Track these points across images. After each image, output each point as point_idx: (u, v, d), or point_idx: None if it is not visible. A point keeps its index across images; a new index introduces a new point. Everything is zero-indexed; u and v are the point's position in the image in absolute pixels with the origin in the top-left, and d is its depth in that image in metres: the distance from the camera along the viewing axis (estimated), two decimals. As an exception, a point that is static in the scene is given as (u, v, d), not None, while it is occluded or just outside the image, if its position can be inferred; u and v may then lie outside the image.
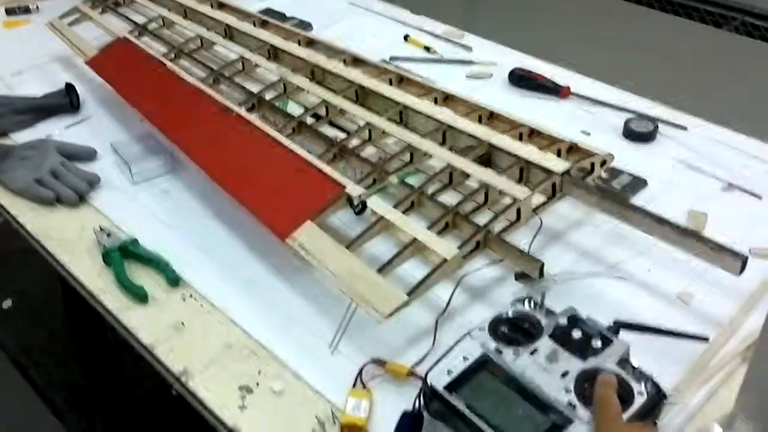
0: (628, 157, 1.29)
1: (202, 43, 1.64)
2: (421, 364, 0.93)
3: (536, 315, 0.89)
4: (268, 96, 1.42)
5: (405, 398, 0.89)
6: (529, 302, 0.91)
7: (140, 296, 1.08)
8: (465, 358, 0.85)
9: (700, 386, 0.90)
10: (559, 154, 1.18)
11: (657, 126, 1.37)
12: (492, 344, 0.86)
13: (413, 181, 1.20)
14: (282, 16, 1.85)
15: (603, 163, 1.19)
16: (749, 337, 0.95)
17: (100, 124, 1.50)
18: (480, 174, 1.14)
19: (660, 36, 3.44)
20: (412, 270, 1.06)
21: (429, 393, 0.84)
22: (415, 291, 0.97)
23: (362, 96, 1.39)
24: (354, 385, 0.92)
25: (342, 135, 1.32)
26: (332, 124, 1.38)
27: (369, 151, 1.30)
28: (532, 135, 1.25)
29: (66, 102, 1.52)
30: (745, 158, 1.30)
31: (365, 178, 1.18)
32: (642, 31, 3.48)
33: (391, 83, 1.41)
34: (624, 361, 0.83)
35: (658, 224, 1.02)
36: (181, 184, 1.32)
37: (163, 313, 1.07)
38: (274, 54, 1.56)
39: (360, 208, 1.12)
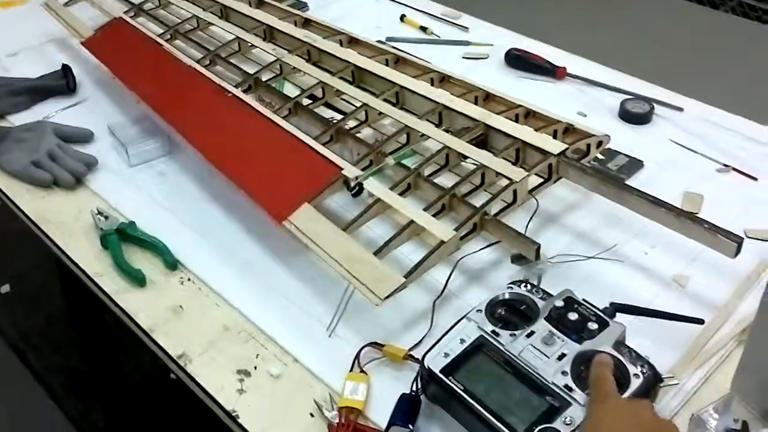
0: (624, 139, 1.29)
1: (198, 24, 1.63)
2: (419, 347, 0.93)
3: (533, 297, 0.89)
4: (264, 77, 1.41)
5: (402, 381, 0.90)
6: (526, 284, 0.91)
7: (138, 279, 1.08)
8: (462, 341, 0.86)
9: (695, 369, 0.91)
10: (555, 136, 1.18)
11: (653, 107, 1.36)
12: (489, 327, 0.86)
13: (410, 162, 1.20)
14: (278, -4, 1.84)
15: (599, 144, 1.19)
16: (745, 319, 0.96)
17: (96, 105, 1.49)
18: (476, 155, 1.14)
19: (656, 17, 3.43)
20: (409, 252, 1.06)
21: (426, 376, 0.84)
22: (411, 273, 0.98)
23: (358, 77, 1.38)
24: (351, 368, 0.93)
25: (338, 116, 1.32)
26: (328, 106, 1.38)
27: (365, 133, 1.30)
28: (528, 116, 1.25)
29: (62, 83, 1.51)
30: (741, 140, 1.30)
31: (362, 159, 1.18)
32: (638, 12, 3.48)
33: (387, 64, 1.40)
34: (620, 344, 0.84)
35: (653, 206, 1.02)
36: (178, 166, 1.32)
37: (161, 297, 1.07)
38: (270, 35, 1.55)
39: (357, 190, 1.12)
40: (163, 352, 1.00)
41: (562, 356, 0.82)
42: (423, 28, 1.70)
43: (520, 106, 1.25)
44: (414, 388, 0.88)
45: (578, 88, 1.47)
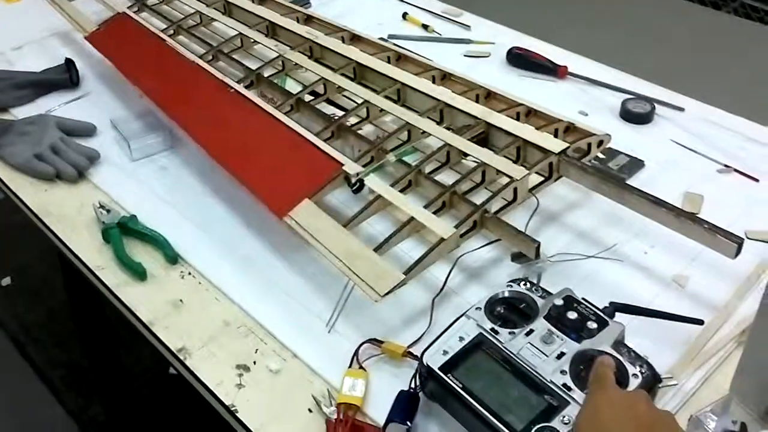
0: (625, 138, 1.29)
1: (201, 20, 1.64)
2: (418, 344, 0.93)
3: (532, 296, 0.89)
4: (266, 73, 1.42)
5: (401, 378, 0.90)
6: (525, 283, 0.91)
7: (139, 273, 1.09)
8: (461, 339, 0.86)
9: (694, 369, 0.91)
10: (556, 134, 1.18)
11: (654, 107, 1.37)
12: (488, 324, 0.86)
13: (410, 159, 1.20)
14: (281, -8, 1.84)
15: (600, 143, 1.19)
16: (744, 320, 0.96)
17: (99, 99, 1.49)
18: (477, 153, 1.15)
19: (659, 17, 3.43)
20: (409, 249, 1.06)
21: (425, 373, 0.85)
22: (411, 270, 0.98)
23: (360, 74, 1.38)
24: (350, 364, 0.93)
25: (340, 113, 1.32)
26: (330, 102, 1.38)
27: (367, 129, 1.30)
28: (530, 114, 1.25)
29: (66, 77, 1.52)
30: (742, 140, 1.30)
31: (363, 156, 1.18)
32: (641, 12, 3.47)
33: (389, 61, 1.41)
34: (619, 343, 0.84)
35: (654, 206, 1.02)
36: (180, 160, 1.32)
37: (162, 290, 1.07)
38: (272, 31, 1.55)
39: (357, 187, 1.12)
40: (162, 345, 1.00)
41: (561, 355, 0.82)
42: (425, 26, 1.70)
43: (521, 104, 1.25)
44: (412, 385, 0.88)
45: (579, 87, 1.47)
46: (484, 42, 1.63)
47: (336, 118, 1.28)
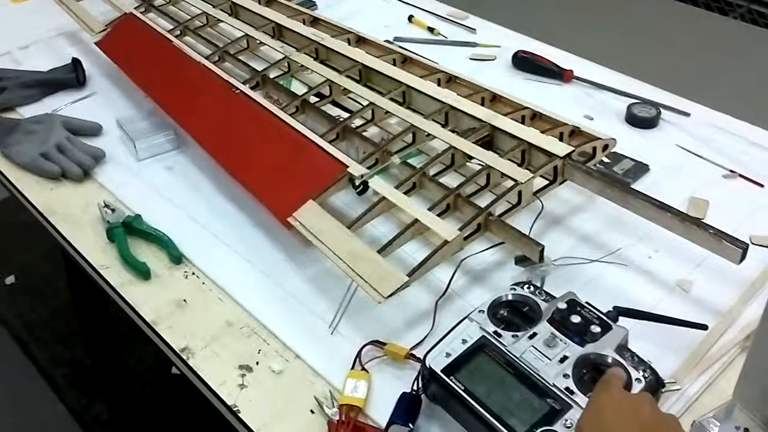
0: (631, 143, 1.29)
1: (207, 21, 1.64)
2: (420, 347, 0.93)
3: (535, 299, 0.89)
4: (272, 74, 1.42)
5: (403, 380, 0.90)
6: (529, 286, 0.91)
7: (143, 272, 1.09)
8: (464, 341, 0.86)
9: (698, 374, 0.91)
10: (561, 138, 1.18)
11: (660, 112, 1.36)
12: (491, 327, 0.86)
13: (415, 161, 1.20)
14: (287, -6, 1.84)
15: (605, 147, 1.19)
16: (748, 326, 0.96)
17: (106, 99, 1.50)
18: (482, 156, 1.15)
19: (665, 22, 3.42)
20: (413, 251, 1.06)
21: (427, 375, 0.85)
22: (415, 272, 0.98)
23: (366, 76, 1.39)
24: (353, 366, 0.93)
25: (345, 114, 1.32)
26: (335, 104, 1.38)
27: (372, 131, 1.30)
28: (535, 118, 1.25)
29: (72, 77, 1.52)
30: (747, 146, 1.30)
31: (367, 158, 1.18)
32: (647, 17, 3.47)
33: (394, 63, 1.41)
34: (622, 348, 0.83)
35: (659, 210, 1.02)
36: (186, 161, 1.32)
37: (166, 290, 1.07)
38: (278, 32, 1.56)
39: (362, 189, 1.12)
40: (166, 345, 1.00)
41: (564, 359, 0.82)
42: (430, 29, 1.70)
43: (527, 107, 1.25)
44: (415, 388, 0.88)
45: (585, 91, 1.47)
46: (489, 45, 1.63)
47: (341, 119, 1.28)
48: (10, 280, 2.38)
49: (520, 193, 1.10)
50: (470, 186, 1.13)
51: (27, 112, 1.46)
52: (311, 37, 1.47)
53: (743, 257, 0.95)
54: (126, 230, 1.15)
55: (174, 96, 1.40)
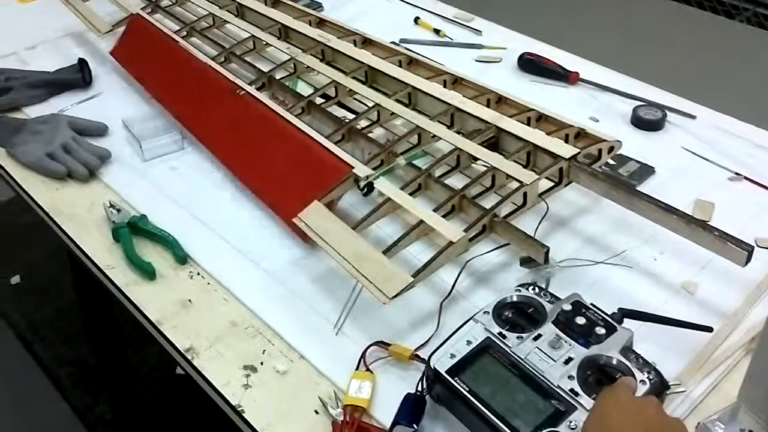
0: (636, 145, 1.29)
1: (213, 22, 1.64)
2: (425, 347, 0.93)
3: (540, 300, 0.89)
4: (278, 75, 1.42)
5: (408, 381, 0.90)
6: (534, 288, 0.91)
7: (148, 273, 1.09)
8: (468, 342, 0.86)
9: (703, 376, 0.90)
10: (566, 140, 1.18)
11: (665, 114, 1.36)
12: (496, 329, 0.86)
13: (421, 163, 1.20)
14: (293, -5, 1.84)
15: (610, 149, 1.19)
16: (754, 328, 0.96)
17: (112, 100, 1.50)
18: (487, 157, 1.15)
19: (671, 25, 3.42)
20: (418, 252, 1.07)
21: (432, 376, 0.85)
22: (420, 273, 0.98)
23: (372, 77, 1.39)
24: (357, 366, 0.93)
25: (351, 115, 1.32)
26: (341, 105, 1.38)
27: (377, 133, 1.30)
28: (540, 120, 1.25)
29: (78, 77, 1.52)
30: (753, 148, 1.29)
31: (373, 159, 1.18)
32: (653, 19, 3.47)
33: (400, 65, 1.41)
34: (627, 349, 0.83)
35: (664, 212, 1.02)
36: (191, 161, 1.32)
37: (171, 290, 1.08)
38: (285, 34, 1.56)
39: (367, 189, 1.12)
40: (170, 345, 1.00)
41: (568, 360, 0.82)
42: (436, 31, 1.70)
43: (532, 109, 1.25)
44: (419, 388, 0.88)
45: (591, 93, 1.47)
46: (495, 47, 1.63)
47: (347, 121, 1.28)
48: (15, 279, 2.38)
49: (525, 194, 1.10)
50: (475, 187, 1.13)
51: (33, 112, 1.46)
52: (317, 38, 1.47)
53: (749, 259, 0.95)
54: (131, 230, 1.15)
55: (180, 97, 1.41)
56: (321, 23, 1.59)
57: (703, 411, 0.87)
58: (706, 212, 1.15)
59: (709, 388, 0.90)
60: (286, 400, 0.92)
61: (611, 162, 1.24)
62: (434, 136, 1.21)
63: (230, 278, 1.08)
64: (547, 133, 1.17)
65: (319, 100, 1.35)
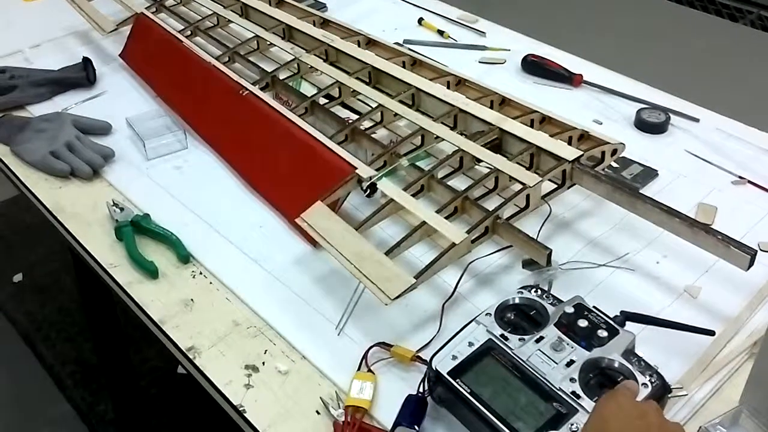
0: (640, 148, 1.29)
1: (218, 21, 1.64)
2: (427, 349, 0.93)
3: (543, 303, 0.89)
4: (281, 75, 1.42)
5: (409, 382, 0.90)
6: (536, 290, 0.91)
7: (151, 272, 1.09)
8: (470, 344, 0.86)
9: (705, 380, 0.90)
10: (570, 142, 1.18)
11: (669, 117, 1.36)
12: (498, 330, 0.86)
13: (423, 164, 1.20)
14: (298, -4, 1.85)
15: (614, 152, 1.19)
16: (756, 332, 0.96)
17: (116, 98, 1.50)
18: (490, 159, 1.15)
19: (675, 28, 3.41)
20: (420, 254, 1.07)
21: (433, 378, 0.85)
22: (422, 274, 0.98)
23: (375, 78, 1.39)
24: (359, 367, 0.93)
25: (354, 116, 1.32)
26: (345, 105, 1.38)
27: (380, 133, 1.30)
28: (544, 122, 1.25)
29: (83, 76, 1.53)
30: (756, 152, 1.29)
31: (376, 159, 1.18)
32: (657, 22, 3.46)
33: (404, 66, 1.41)
34: (629, 352, 0.83)
35: (667, 216, 1.02)
36: (195, 160, 1.32)
37: (173, 289, 1.08)
38: (289, 34, 1.56)
39: (370, 191, 1.12)
40: (172, 344, 1.00)
41: (570, 363, 0.82)
42: (440, 32, 1.70)
43: (536, 111, 1.25)
44: (421, 390, 0.88)
45: (594, 95, 1.47)
46: (499, 49, 1.63)
47: (350, 121, 1.28)
48: (17, 278, 2.39)
49: (528, 196, 1.10)
50: (478, 189, 1.13)
51: (37, 110, 1.46)
52: (321, 38, 1.47)
53: (751, 263, 0.95)
54: (134, 229, 1.15)
55: (183, 96, 1.41)
56: (325, 23, 1.59)
57: (704, 415, 0.87)
58: (709, 216, 1.14)
59: (711, 392, 0.90)
60: (288, 400, 0.92)
61: (614, 165, 1.24)
62: (437, 137, 1.21)
63: (233, 278, 1.08)
64: (551, 135, 1.17)
65: (322, 101, 1.35)
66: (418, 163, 1.20)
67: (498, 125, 1.20)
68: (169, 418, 1.92)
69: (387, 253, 1.01)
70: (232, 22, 1.63)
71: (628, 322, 0.89)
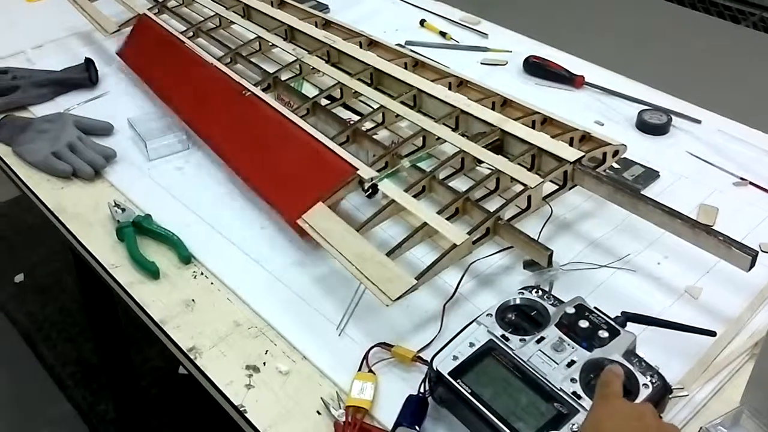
0: (641, 149, 1.29)
1: (220, 22, 1.65)
2: (428, 349, 0.93)
3: (544, 303, 0.89)
4: (283, 76, 1.42)
5: (410, 383, 0.90)
6: (537, 290, 0.91)
7: (152, 272, 1.09)
8: (471, 344, 0.86)
9: (706, 381, 0.90)
10: (571, 143, 1.18)
11: (671, 118, 1.36)
12: (499, 331, 0.86)
13: (425, 165, 1.20)
14: (300, -3, 1.85)
15: (615, 153, 1.19)
16: (757, 333, 0.96)
17: (117, 99, 1.50)
18: (492, 160, 1.15)
19: (677, 30, 3.41)
20: (422, 255, 1.07)
21: (434, 378, 0.85)
22: (423, 275, 0.98)
23: (377, 79, 1.39)
24: (360, 368, 0.93)
25: (356, 117, 1.32)
26: (346, 107, 1.38)
27: (382, 134, 1.30)
28: (545, 123, 1.25)
29: (85, 76, 1.53)
30: (758, 153, 1.29)
31: (377, 160, 1.18)
32: (659, 23, 3.46)
33: (406, 67, 1.41)
34: (630, 353, 0.83)
35: (668, 217, 1.02)
36: (196, 161, 1.33)
37: (174, 290, 1.08)
38: (290, 35, 1.56)
39: (371, 191, 1.12)
40: (173, 344, 1.00)
41: (571, 363, 0.82)
42: (442, 33, 1.70)
43: (537, 112, 1.25)
44: (422, 390, 0.88)
45: (596, 97, 1.47)
46: (501, 50, 1.63)
47: (352, 122, 1.28)
48: (18, 278, 2.39)
49: (529, 197, 1.10)
50: (480, 190, 1.13)
51: (39, 111, 1.47)
52: (323, 39, 1.48)
53: (753, 264, 0.95)
54: (136, 230, 1.16)
55: (185, 97, 1.41)
56: (327, 25, 1.59)
57: (705, 415, 0.87)
58: (710, 217, 1.14)
59: (712, 392, 0.90)
60: (289, 400, 0.92)
61: (616, 166, 1.24)
62: (439, 138, 1.21)
63: (234, 278, 1.09)
64: (552, 137, 1.17)
65: (324, 102, 1.35)
66: (419, 164, 1.20)
67: (499, 126, 1.20)
68: (170, 418, 1.92)
69: (388, 254, 1.01)
70: (234, 23, 1.63)
71: (629, 323, 0.89)
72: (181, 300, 1.06)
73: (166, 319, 1.03)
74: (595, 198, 1.15)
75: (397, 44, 1.54)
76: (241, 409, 0.91)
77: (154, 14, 1.64)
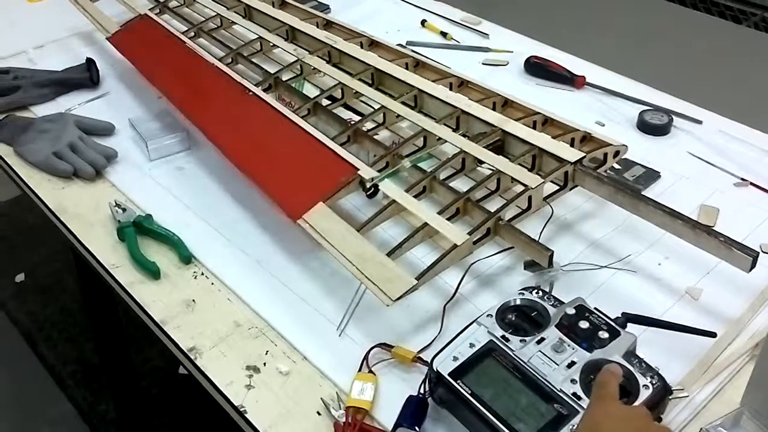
0: (642, 149, 1.29)
1: (221, 23, 1.65)
2: (428, 350, 0.93)
3: (544, 304, 0.89)
4: (284, 77, 1.42)
5: (410, 383, 0.90)
6: (537, 291, 0.91)
7: (153, 272, 1.09)
8: (471, 345, 0.86)
9: (706, 382, 0.90)
10: (572, 144, 1.18)
11: (672, 119, 1.36)
12: (499, 332, 0.86)
13: (426, 165, 1.20)
14: (301, -2, 1.85)
15: (616, 154, 1.19)
16: (758, 334, 0.95)
17: (119, 99, 1.50)
18: (492, 161, 1.15)
19: (678, 30, 3.41)
20: (422, 255, 1.07)
21: (434, 379, 0.85)
22: (423, 275, 0.98)
23: (378, 79, 1.39)
24: (360, 368, 0.93)
25: (356, 117, 1.32)
26: (347, 107, 1.38)
27: (383, 135, 1.30)
28: (546, 123, 1.25)
29: (86, 77, 1.53)
30: (759, 154, 1.29)
31: (378, 161, 1.18)
32: (660, 24, 3.46)
33: (407, 67, 1.41)
34: (630, 354, 0.83)
35: (669, 217, 1.02)
36: (197, 161, 1.33)
37: (175, 290, 1.08)
38: (292, 35, 1.56)
39: (372, 192, 1.12)
40: (174, 345, 1.00)
41: (571, 364, 0.82)
42: (443, 34, 1.70)
43: (538, 113, 1.25)
44: (422, 391, 0.88)
45: (597, 97, 1.47)
46: (502, 50, 1.63)
47: (353, 122, 1.28)
48: (19, 278, 2.39)
49: (530, 198, 1.10)
50: (480, 190, 1.13)
51: (40, 111, 1.47)
52: (324, 40, 1.48)
53: (753, 265, 0.95)
54: (136, 230, 1.16)
55: (187, 97, 1.41)
56: (328, 25, 1.59)
57: (706, 416, 0.87)
58: (711, 217, 1.14)
59: (713, 393, 0.90)
60: (289, 401, 0.92)
61: (617, 166, 1.24)
62: (440, 138, 1.21)
63: (234, 279, 1.09)
64: (553, 137, 1.17)
65: (325, 102, 1.35)
66: (420, 165, 1.20)
67: (500, 127, 1.20)
68: (170, 418, 1.92)
69: (388, 255, 1.01)
70: (235, 23, 1.63)
71: (629, 324, 0.89)
72: (181, 300, 1.06)
73: (167, 319, 1.03)
74: (595, 198, 1.15)
75: (398, 44, 1.54)
76: (241, 409, 0.91)
77: (156, 14, 1.64)
